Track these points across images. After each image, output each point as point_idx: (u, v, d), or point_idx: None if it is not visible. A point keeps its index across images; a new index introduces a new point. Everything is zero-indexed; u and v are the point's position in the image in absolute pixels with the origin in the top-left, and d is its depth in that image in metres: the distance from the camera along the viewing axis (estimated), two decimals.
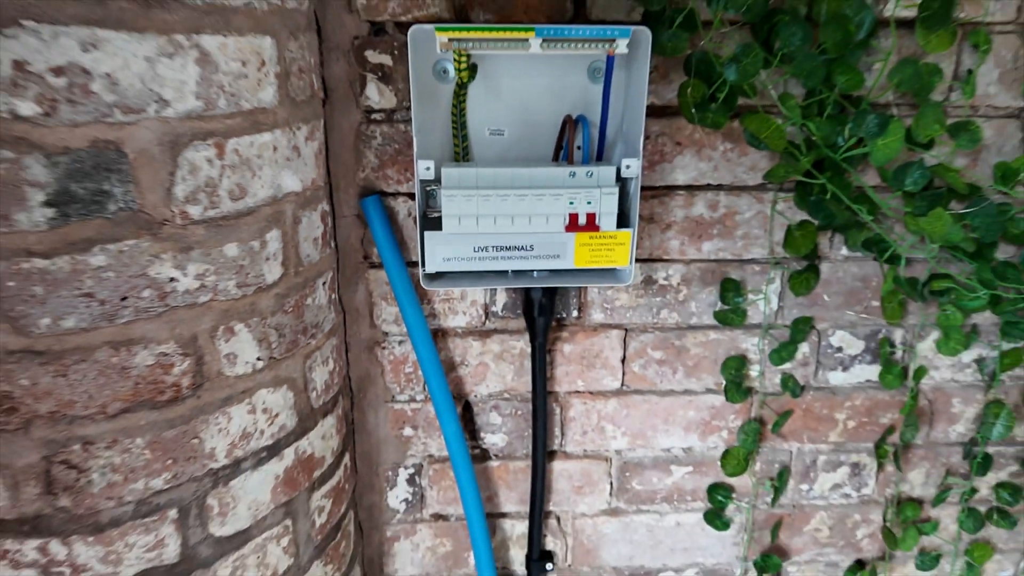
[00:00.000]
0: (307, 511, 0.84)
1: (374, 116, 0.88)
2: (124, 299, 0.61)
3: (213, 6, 0.60)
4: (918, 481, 1.11)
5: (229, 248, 0.67)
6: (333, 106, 0.87)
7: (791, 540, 1.13)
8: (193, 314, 0.65)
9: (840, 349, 1.03)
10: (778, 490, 1.07)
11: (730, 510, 1.10)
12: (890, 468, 1.09)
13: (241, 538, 0.75)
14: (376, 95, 0.87)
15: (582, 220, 0.82)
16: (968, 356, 1.04)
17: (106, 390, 0.62)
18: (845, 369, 1.04)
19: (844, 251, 0.98)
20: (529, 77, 0.85)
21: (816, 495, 1.11)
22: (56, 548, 0.65)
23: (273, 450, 0.77)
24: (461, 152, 0.88)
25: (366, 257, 0.94)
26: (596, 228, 0.82)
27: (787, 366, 1.03)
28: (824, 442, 1.08)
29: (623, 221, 0.85)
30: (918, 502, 1.11)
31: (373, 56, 0.86)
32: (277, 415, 0.76)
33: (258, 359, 0.72)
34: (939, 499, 1.09)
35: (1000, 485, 1.11)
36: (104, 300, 0.60)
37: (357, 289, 0.95)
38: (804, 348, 1.03)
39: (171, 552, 0.70)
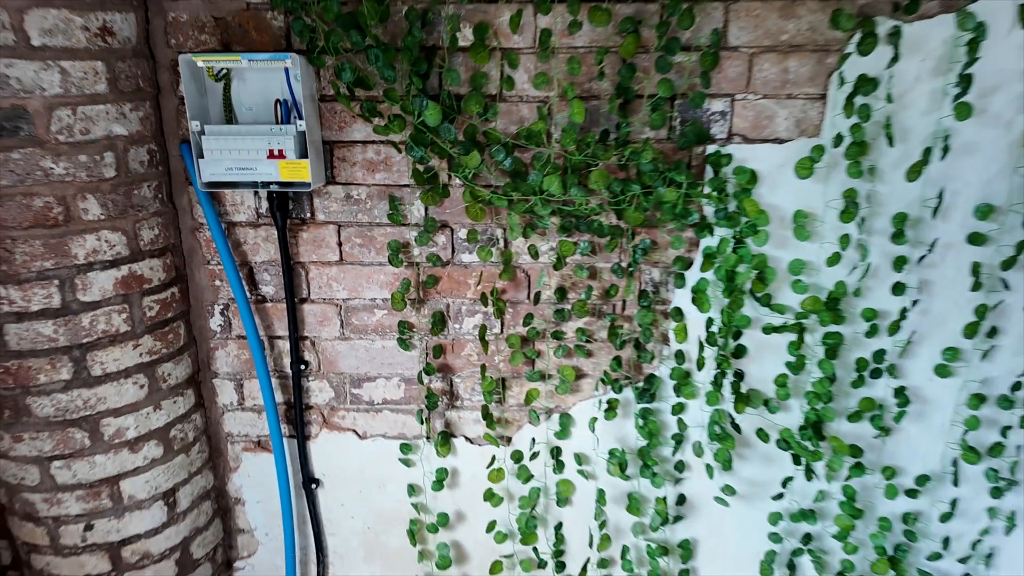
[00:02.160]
0: (140, 305, 1.62)
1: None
2: (28, 174, 1.41)
3: (67, 48, 1.39)
4: (526, 324, 1.81)
5: (82, 157, 1.46)
6: (163, 95, 1.66)
7: (455, 361, 1.85)
8: (63, 186, 1.45)
9: (465, 240, 1.75)
10: (435, 325, 1.79)
11: (415, 340, 1.83)
12: (507, 316, 1.80)
13: (95, 304, 1.54)
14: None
15: (276, 153, 1.58)
16: (545, 246, 1.75)
17: (20, 216, 1.42)
18: (470, 253, 1.76)
19: (458, 180, 1.71)
20: (264, 79, 1.62)
21: (465, 331, 1.82)
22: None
23: (113, 264, 1.55)
24: (229, 118, 1.65)
25: (187, 178, 1.72)
26: (284, 157, 1.58)
27: (432, 248, 1.75)
28: (465, 298, 1.80)
29: (306, 155, 1.60)
30: (525, 338, 1.81)
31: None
32: (115, 246, 1.55)
33: (101, 214, 1.51)
34: (531, 334, 1.79)
35: (578, 329, 1.80)
36: (19, 173, 1.40)
37: (183, 196, 1.73)
38: (443, 238, 1.75)
39: (56, 302, 1.49)
